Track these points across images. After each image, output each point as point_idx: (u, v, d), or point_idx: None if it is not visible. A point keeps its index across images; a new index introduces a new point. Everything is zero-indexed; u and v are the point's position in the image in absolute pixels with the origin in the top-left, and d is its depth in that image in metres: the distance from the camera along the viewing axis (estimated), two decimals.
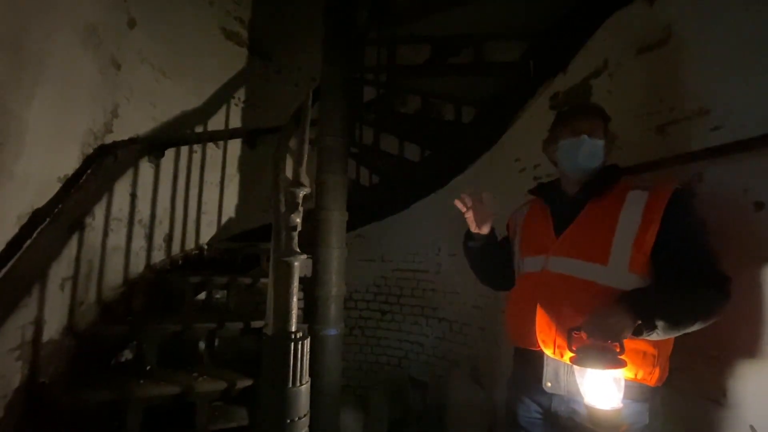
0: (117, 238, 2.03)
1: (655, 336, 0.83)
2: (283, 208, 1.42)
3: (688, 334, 1.05)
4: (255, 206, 2.97)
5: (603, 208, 1.04)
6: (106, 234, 1.93)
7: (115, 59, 1.92)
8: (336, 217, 1.95)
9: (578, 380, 0.87)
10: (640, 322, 0.82)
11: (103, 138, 1.85)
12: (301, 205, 0.87)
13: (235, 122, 3.02)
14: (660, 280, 0.94)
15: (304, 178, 0.88)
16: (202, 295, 2.63)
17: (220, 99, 2.95)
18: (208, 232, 2.77)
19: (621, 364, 0.80)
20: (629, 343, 0.93)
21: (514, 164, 2.25)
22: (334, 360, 1.88)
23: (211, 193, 2.75)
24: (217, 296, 2.55)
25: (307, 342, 0.84)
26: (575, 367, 0.85)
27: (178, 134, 2.49)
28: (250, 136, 2.90)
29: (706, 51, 1.31)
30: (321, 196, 2.00)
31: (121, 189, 2.04)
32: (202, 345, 1.97)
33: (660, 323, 0.81)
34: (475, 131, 2.52)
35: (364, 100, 2.68)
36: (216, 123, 2.90)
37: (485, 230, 1.24)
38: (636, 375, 0.94)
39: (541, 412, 1.10)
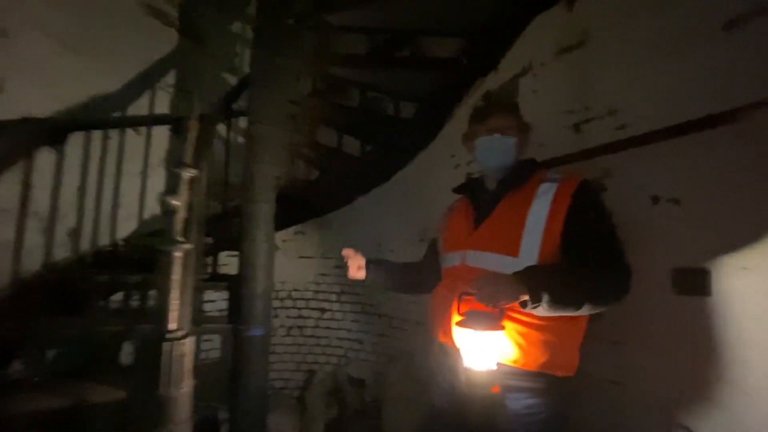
0: (5, 232, 1.77)
1: (541, 310, 0.84)
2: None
3: (594, 321, 1.10)
4: None
5: (516, 201, 1.05)
6: None
7: None
8: (263, 210, 1.84)
9: (459, 344, 0.91)
10: (527, 296, 0.83)
11: None
12: (188, 189, 0.78)
13: (162, 108, 2.78)
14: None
15: (189, 159, 0.79)
16: (120, 297, 2.40)
17: (143, 82, 2.70)
18: (126, 227, 2.52)
19: (499, 327, 0.85)
20: (533, 332, 0.94)
21: (450, 160, 2.28)
22: (260, 362, 1.77)
23: (130, 184, 2.50)
24: (135, 298, 2.33)
25: (190, 342, 0.74)
26: (459, 329, 0.89)
27: (87, 117, 2.23)
28: (176, 123, 2.67)
29: (617, 54, 1.38)
30: (248, 187, 1.88)
31: (11, 175, 1.77)
32: (112, 351, 1.78)
33: (545, 296, 0.82)
34: (415, 127, 2.52)
35: (302, 90, 2.58)
36: (138, 108, 2.65)
37: (361, 275, 1.35)
38: (538, 365, 0.96)
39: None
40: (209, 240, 2.03)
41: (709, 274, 1.07)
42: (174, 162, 0.76)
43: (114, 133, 2.44)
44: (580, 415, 1.29)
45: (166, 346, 0.70)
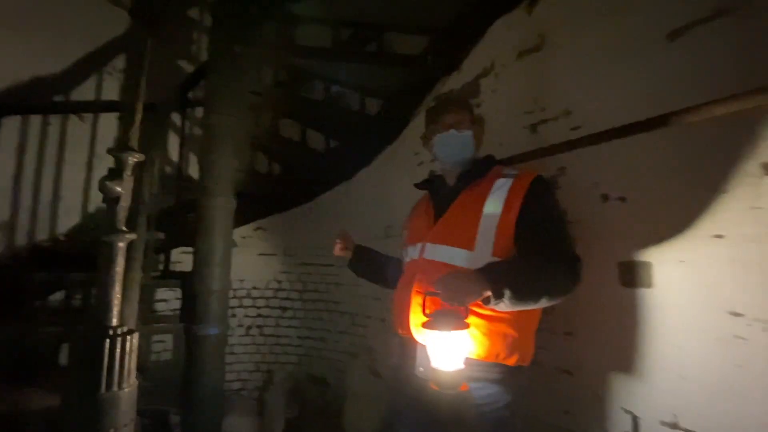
0: None
1: (503, 306, 0.86)
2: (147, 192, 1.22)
3: (548, 312, 1.14)
4: None
5: (473, 195, 1.08)
6: None
7: None
8: (220, 204, 1.76)
9: (427, 344, 0.90)
10: (489, 292, 0.84)
11: None
12: (130, 174, 0.73)
13: (110, 94, 2.60)
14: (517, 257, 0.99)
15: (135, 143, 0.73)
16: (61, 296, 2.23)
17: (89, 65, 2.51)
18: (68, 221, 2.34)
19: (465, 326, 0.85)
20: (492, 325, 0.97)
21: (414, 158, 2.29)
22: (215, 362, 1.70)
23: (73, 174, 2.33)
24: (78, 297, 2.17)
25: (133, 338, 0.69)
26: (426, 330, 0.87)
27: (24, 100, 2.05)
28: (125, 111, 2.51)
29: (572, 57, 1.44)
30: (204, 180, 1.79)
31: None
32: (50, 354, 1.65)
33: (507, 293, 0.84)
34: (380, 123, 2.51)
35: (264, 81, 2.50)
36: (84, 93, 2.47)
37: (345, 255, 1.42)
38: (497, 356, 0.98)
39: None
40: (160, 235, 1.92)
41: (650, 267, 1.14)
42: (118, 145, 0.70)
43: (55, 119, 2.26)
44: (533, 403, 1.34)
45: (106, 343, 0.65)
